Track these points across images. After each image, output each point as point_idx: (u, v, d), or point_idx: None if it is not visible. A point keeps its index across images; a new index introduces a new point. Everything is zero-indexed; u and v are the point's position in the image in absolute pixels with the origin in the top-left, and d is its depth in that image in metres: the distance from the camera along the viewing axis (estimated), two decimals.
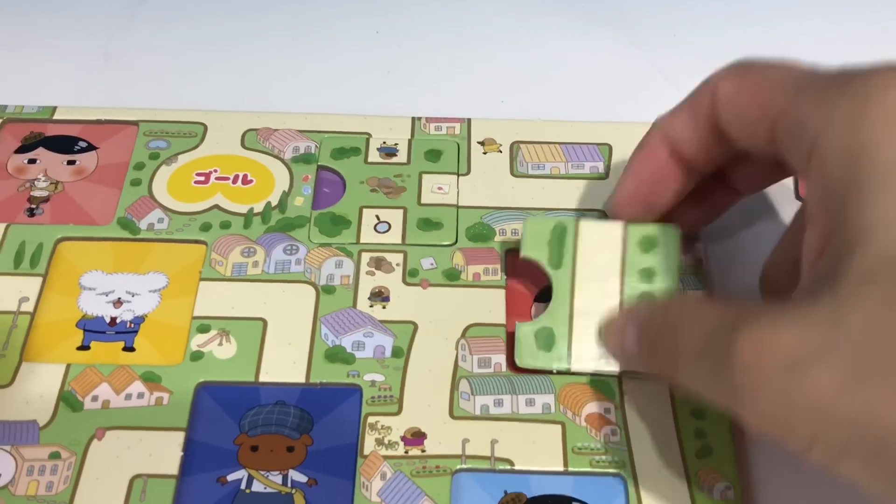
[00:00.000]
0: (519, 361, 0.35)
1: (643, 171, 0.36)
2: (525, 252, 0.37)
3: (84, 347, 0.37)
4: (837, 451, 0.24)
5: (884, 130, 0.26)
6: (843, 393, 0.23)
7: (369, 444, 0.34)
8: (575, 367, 0.35)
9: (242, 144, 0.43)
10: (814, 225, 0.28)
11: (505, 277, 0.39)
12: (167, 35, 0.48)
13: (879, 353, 0.23)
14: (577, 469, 0.34)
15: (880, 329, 0.23)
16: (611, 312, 0.35)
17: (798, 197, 0.42)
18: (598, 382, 0.36)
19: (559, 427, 0.35)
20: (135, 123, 0.44)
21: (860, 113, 0.26)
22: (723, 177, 0.37)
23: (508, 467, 0.34)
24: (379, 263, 0.39)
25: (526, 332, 0.36)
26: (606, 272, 0.36)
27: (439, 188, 0.42)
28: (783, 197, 0.42)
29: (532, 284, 0.39)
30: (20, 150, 0.43)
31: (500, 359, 0.37)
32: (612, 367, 0.35)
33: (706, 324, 0.28)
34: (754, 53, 0.46)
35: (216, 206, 0.41)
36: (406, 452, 0.34)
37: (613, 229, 0.36)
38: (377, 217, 0.41)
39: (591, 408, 0.35)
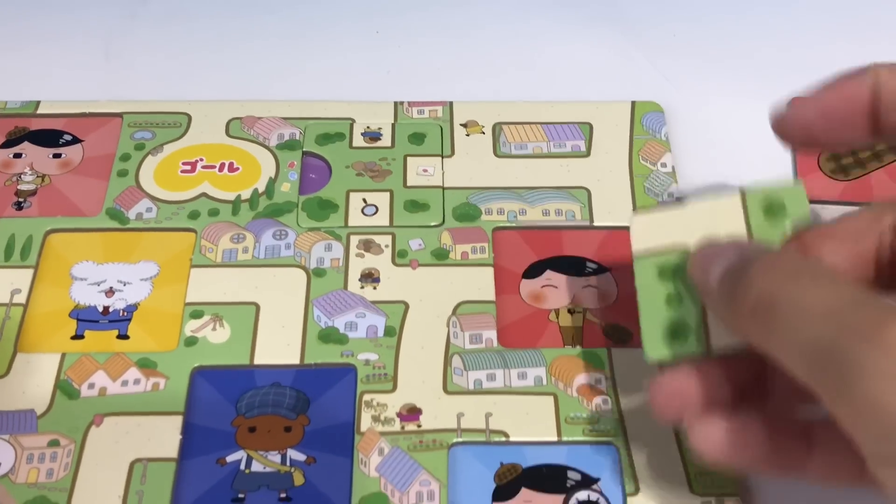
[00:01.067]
0: (649, 361, 0.31)
1: (835, 102, 0.31)
2: (635, 248, 0.32)
3: (78, 337, 0.37)
4: None
5: None
6: None
7: (366, 421, 0.35)
8: (715, 346, 0.30)
9: (227, 133, 0.44)
10: None
11: (493, 255, 0.40)
12: (167, 35, 0.48)
13: None
14: (570, 438, 0.34)
15: None
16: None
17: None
18: (588, 354, 0.37)
19: (551, 398, 0.35)
20: (119, 115, 0.44)
21: None
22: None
23: (503, 439, 0.34)
24: (368, 245, 0.40)
25: (651, 328, 0.31)
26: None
27: (424, 170, 0.42)
28: None
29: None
30: (5, 145, 0.43)
31: (492, 334, 0.37)
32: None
33: (844, 289, 0.25)
34: (754, 53, 0.47)
35: (204, 195, 0.41)
36: (402, 428, 0.35)
37: (731, 203, 0.31)
38: (364, 200, 0.41)
39: (582, 379, 0.36)
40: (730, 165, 0.43)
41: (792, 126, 0.31)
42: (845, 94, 0.31)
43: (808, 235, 0.30)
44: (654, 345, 0.31)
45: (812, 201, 0.41)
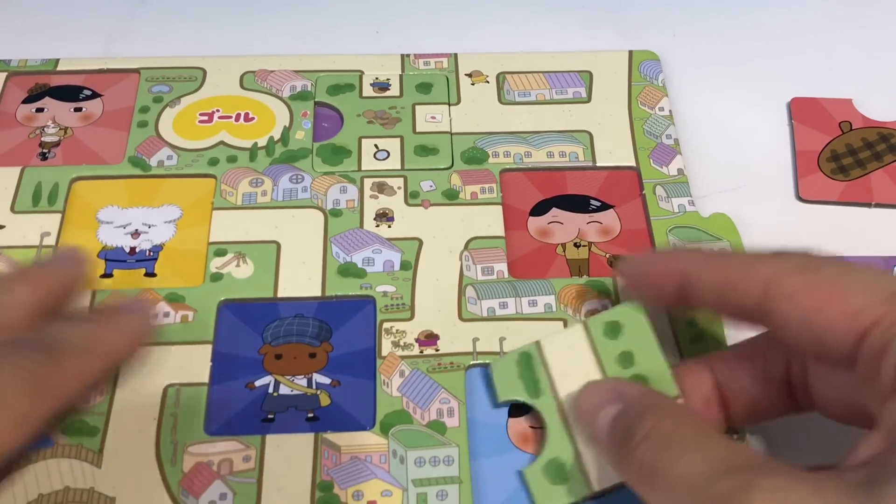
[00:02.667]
0: None
1: (648, 277, 0.33)
2: (501, 397, 0.35)
3: (107, 275, 0.39)
4: None
5: None
6: None
7: (386, 346, 0.37)
8: (599, 488, 0.32)
9: (241, 85, 0.45)
10: (879, 431, 0.26)
11: (501, 195, 0.41)
12: (167, 36, 0.49)
13: None
14: None
15: None
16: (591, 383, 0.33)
17: (799, 198, 0.43)
18: (594, 283, 0.38)
19: (561, 324, 0.37)
20: (136, 71, 0.46)
21: None
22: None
23: None
24: (381, 188, 0.41)
25: (535, 473, 0.33)
26: (586, 375, 0.34)
27: (432, 117, 0.44)
28: (784, 198, 0.43)
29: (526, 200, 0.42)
30: (27, 101, 0.45)
31: (502, 267, 0.39)
32: None
33: (711, 457, 0.26)
34: (754, 53, 0.49)
35: (222, 143, 0.43)
36: (421, 352, 0.36)
37: (575, 333, 0.35)
38: (376, 146, 0.43)
39: (590, 305, 0.38)
40: (730, 165, 0.44)
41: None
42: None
43: (713, 358, 0.33)
44: (544, 496, 0.33)
45: (813, 201, 0.43)
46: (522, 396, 0.35)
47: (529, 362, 0.35)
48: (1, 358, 0.28)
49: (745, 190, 0.43)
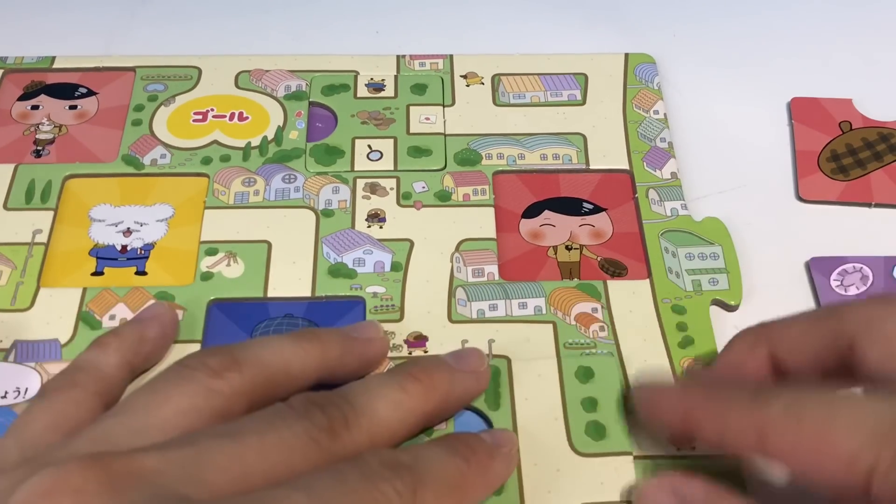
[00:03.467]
0: None
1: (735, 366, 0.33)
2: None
3: (98, 273, 0.39)
4: None
5: None
6: None
7: None
8: None
9: (236, 85, 0.45)
10: None
11: (493, 197, 0.41)
12: (167, 36, 0.49)
13: None
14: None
15: None
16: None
17: (799, 198, 0.43)
18: (585, 286, 0.38)
19: (550, 326, 0.37)
20: (132, 69, 0.46)
21: None
22: None
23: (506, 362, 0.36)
24: (374, 188, 0.41)
25: None
26: (547, 408, 0.35)
27: (426, 118, 0.44)
28: (784, 198, 0.43)
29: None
30: (22, 98, 0.45)
31: (493, 269, 0.39)
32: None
33: None
34: (754, 53, 0.48)
35: (215, 142, 0.43)
36: (410, 353, 0.36)
37: (547, 365, 0.36)
38: (369, 146, 0.43)
39: (580, 308, 0.38)
40: (730, 165, 0.44)
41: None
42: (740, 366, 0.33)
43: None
44: None
45: (813, 201, 0.43)
46: (482, 405, 0.35)
47: (497, 377, 0.35)
48: (372, 482, 0.27)
49: (745, 190, 0.43)
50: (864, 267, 0.40)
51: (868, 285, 0.39)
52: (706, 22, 0.51)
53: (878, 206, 0.42)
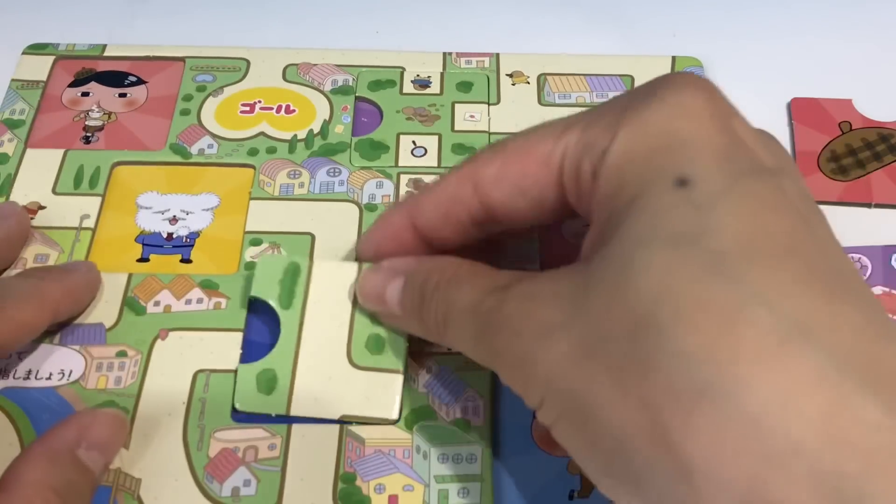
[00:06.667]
0: (238, 405, 0.35)
1: (383, 246, 0.35)
2: (254, 291, 0.36)
3: (144, 260, 0.39)
4: (556, 415, 0.26)
5: (657, 138, 0.27)
6: (569, 365, 0.25)
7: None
8: (294, 413, 0.34)
9: (284, 78, 0.46)
10: (593, 225, 0.28)
11: None
12: (167, 35, 0.49)
13: (604, 335, 0.24)
14: None
15: (608, 311, 0.24)
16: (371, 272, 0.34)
17: None
18: None
19: None
20: (181, 59, 0.46)
21: (645, 122, 0.27)
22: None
23: None
24: (417, 184, 0.42)
25: (247, 375, 0.35)
26: (336, 314, 0.35)
27: (471, 116, 0.44)
28: None
29: None
30: (73, 84, 0.45)
31: (535, 266, 0.39)
32: (331, 413, 0.34)
33: (480, 284, 0.29)
34: (754, 53, 0.48)
35: (262, 133, 0.43)
36: (449, 350, 0.36)
37: (348, 271, 0.36)
38: (413, 143, 0.43)
39: None
40: None
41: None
42: (389, 242, 0.35)
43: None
44: (246, 397, 0.35)
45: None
46: (273, 301, 0.36)
47: (295, 274, 0.36)
48: None
49: None
50: (863, 257, 0.40)
51: (867, 275, 0.39)
52: (706, 22, 0.51)
53: (877, 206, 0.42)
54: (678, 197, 0.25)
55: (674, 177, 0.26)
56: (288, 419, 0.35)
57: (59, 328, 0.37)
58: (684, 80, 0.28)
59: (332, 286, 0.36)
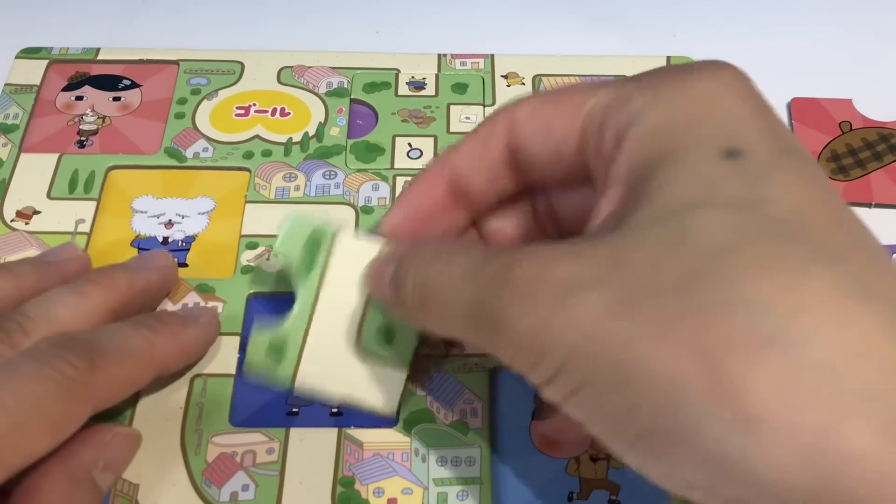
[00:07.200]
0: (246, 368, 0.35)
1: (416, 204, 0.34)
2: (278, 247, 0.35)
3: None
4: (579, 382, 0.24)
5: (698, 108, 0.27)
6: (604, 321, 0.23)
7: None
8: (297, 388, 0.34)
9: (278, 80, 0.46)
10: (614, 189, 0.27)
11: None
12: (167, 36, 0.49)
13: (649, 288, 0.23)
14: None
15: (656, 265, 0.23)
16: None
17: None
18: None
19: None
20: (175, 63, 0.46)
21: (688, 91, 0.27)
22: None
23: None
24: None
25: (259, 339, 0.35)
26: (351, 294, 0.34)
27: (467, 118, 0.44)
28: None
29: None
30: (67, 88, 0.45)
31: None
32: (332, 393, 0.35)
33: (477, 252, 0.28)
34: (755, 53, 0.48)
35: (257, 137, 0.43)
36: (447, 353, 0.36)
37: (370, 248, 0.34)
38: (409, 144, 0.43)
39: None
40: None
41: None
42: (421, 202, 0.34)
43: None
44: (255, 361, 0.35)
45: None
46: (295, 263, 0.35)
47: (318, 241, 0.35)
48: (44, 361, 0.28)
49: None
50: None
51: None
52: (706, 22, 0.51)
53: (877, 206, 0.42)
54: (728, 167, 0.25)
55: (722, 146, 0.26)
56: (286, 421, 0.35)
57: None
58: (721, 63, 0.29)
59: (351, 263, 0.34)
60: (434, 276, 0.28)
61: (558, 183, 0.32)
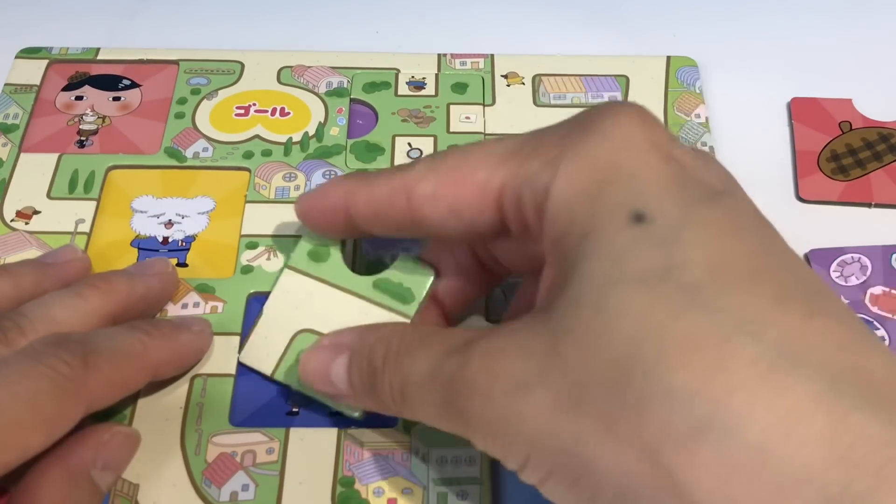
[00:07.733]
0: (290, 263, 0.36)
1: (315, 214, 0.35)
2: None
3: None
4: (545, 472, 0.25)
5: (602, 174, 0.26)
6: (554, 419, 0.24)
7: None
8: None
9: (278, 80, 0.46)
10: (548, 266, 0.28)
11: None
12: (167, 36, 0.49)
13: (585, 384, 0.24)
14: None
15: (586, 358, 0.24)
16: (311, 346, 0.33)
17: (799, 198, 0.43)
18: None
19: None
20: (175, 62, 0.46)
21: (587, 155, 0.27)
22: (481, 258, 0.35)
23: None
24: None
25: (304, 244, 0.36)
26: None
27: (466, 118, 0.44)
28: (784, 198, 0.43)
29: None
30: (67, 88, 0.45)
31: None
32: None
33: (436, 349, 0.28)
34: (755, 53, 0.48)
35: (257, 136, 0.43)
36: None
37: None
38: (409, 144, 0.43)
39: None
40: (730, 165, 0.43)
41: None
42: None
43: None
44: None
45: (813, 201, 0.42)
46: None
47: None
48: (38, 359, 0.29)
49: (745, 190, 0.42)
50: (863, 257, 0.40)
51: (867, 275, 0.39)
52: (706, 22, 0.51)
53: (877, 206, 0.42)
54: (637, 233, 0.25)
55: (628, 212, 0.25)
56: (286, 421, 0.35)
57: None
58: (619, 109, 0.28)
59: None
60: (405, 377, 0.29)
61: (476, 240, 0.32)
